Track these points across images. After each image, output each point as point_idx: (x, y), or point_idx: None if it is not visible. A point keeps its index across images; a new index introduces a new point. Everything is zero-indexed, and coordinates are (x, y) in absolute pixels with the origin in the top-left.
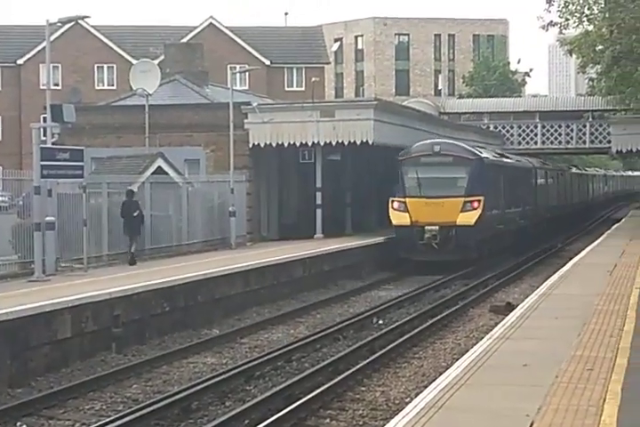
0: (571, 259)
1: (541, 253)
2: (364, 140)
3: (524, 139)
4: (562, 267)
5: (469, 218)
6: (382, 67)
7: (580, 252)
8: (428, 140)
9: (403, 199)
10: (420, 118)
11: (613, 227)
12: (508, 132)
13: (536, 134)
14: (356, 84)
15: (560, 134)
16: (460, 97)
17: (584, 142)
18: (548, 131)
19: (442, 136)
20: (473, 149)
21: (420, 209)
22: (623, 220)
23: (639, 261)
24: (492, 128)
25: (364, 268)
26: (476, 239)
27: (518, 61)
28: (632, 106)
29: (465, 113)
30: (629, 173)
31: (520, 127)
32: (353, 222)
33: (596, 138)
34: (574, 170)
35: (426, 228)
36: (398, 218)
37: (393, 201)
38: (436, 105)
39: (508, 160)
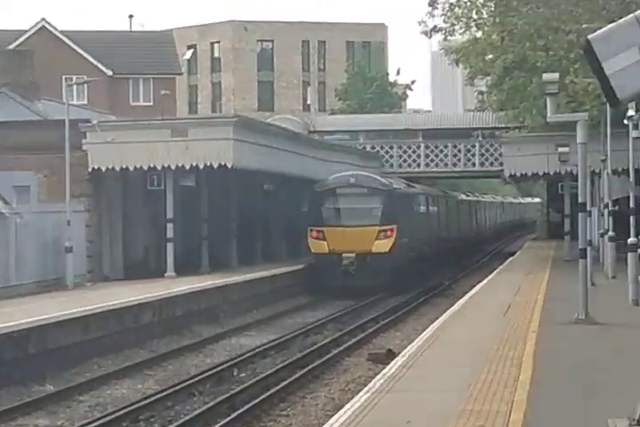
0: (460, 297)
1: (428, 291)
2: (222, 164)
3: (405, 161)
4: (450, 307)
5: (384, 246)
6: (242, 78)
7: (470, 289)
8: (344, 173)
9: (320, 228)
10: (287, 138)
11: (508, 260)
12: (387, 153)
13: (419, 156)
14: (213, 97)
15: (446, 155)
16: (333, 113)
17: (473, 165)
18: (432, 151)
19: (313, 158)
20: (385, 181)
21: (337, 238)
22: (518, 253)
23: (536, 300)
24: (368, 148)
25: (223, 311)
26: (390, 266)
27: (398, 72)
28: (526, 123)
29: (338, 131)
30: (529, 199)
31: (401, 148)
32: (211, 258)
33: (487, 160)
34: (471, 197)
35: (343, 255)
36: (317, 246)
37: (312, 230)
38: (304, 122)
39: (415, 190)
